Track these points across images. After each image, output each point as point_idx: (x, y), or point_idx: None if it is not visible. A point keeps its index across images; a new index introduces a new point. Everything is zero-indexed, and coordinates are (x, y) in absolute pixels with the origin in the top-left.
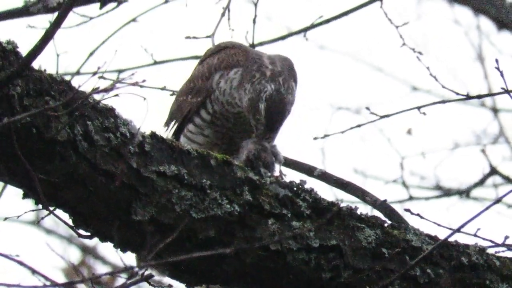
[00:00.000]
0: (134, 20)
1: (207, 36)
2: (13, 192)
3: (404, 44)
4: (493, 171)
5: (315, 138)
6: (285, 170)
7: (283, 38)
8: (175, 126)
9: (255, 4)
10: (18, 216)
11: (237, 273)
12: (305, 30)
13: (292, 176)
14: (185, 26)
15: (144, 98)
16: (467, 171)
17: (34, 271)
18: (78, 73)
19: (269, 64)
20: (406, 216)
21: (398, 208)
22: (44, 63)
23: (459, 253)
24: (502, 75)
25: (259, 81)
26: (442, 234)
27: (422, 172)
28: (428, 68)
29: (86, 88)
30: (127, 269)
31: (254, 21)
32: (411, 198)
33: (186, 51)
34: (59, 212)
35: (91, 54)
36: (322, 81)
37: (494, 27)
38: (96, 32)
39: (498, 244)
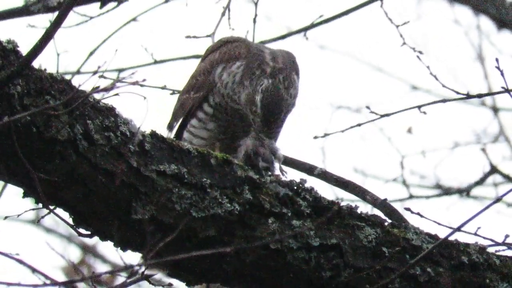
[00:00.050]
0: (134, 19)
1: (207, 36)
2: (13, 191)
3: (404, 43)
4: (493, 170)
5: (315, 137)
6: (285, 169)
7: (283, 37)
8: (178, 124)
9: (255, 4)
10: (18, 215)
11: (237, 272)
12: (305, 29)
13: (292, 175)
14: (185, 26)
15: (144, 98)
16: (467, 170)
17: (34, 270)
18: (78, 72)
19: (270, 60)
20: (406, 215)
21: (398, 207)
22: (44, 62)
23: (459, 252)
24: (502, 74)
25: (258, 78)
26: (442, 233)
27: (422, 171)
28: (428, 67)
29: (86, 87)
30: (127, 268)
31: (254, 21)
32: (411, 197)
33: (186, 51)
34: (59, 211)
35: (91, 53)
36: (322, 80)
37: (494, 26)
38: (96, 32)
39: (498, 243)
